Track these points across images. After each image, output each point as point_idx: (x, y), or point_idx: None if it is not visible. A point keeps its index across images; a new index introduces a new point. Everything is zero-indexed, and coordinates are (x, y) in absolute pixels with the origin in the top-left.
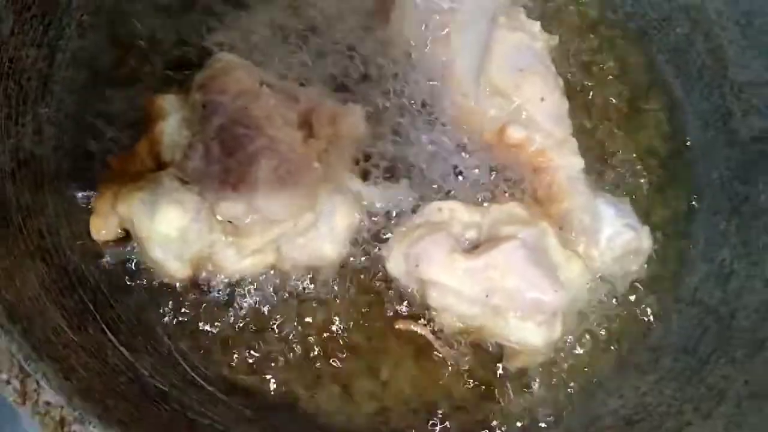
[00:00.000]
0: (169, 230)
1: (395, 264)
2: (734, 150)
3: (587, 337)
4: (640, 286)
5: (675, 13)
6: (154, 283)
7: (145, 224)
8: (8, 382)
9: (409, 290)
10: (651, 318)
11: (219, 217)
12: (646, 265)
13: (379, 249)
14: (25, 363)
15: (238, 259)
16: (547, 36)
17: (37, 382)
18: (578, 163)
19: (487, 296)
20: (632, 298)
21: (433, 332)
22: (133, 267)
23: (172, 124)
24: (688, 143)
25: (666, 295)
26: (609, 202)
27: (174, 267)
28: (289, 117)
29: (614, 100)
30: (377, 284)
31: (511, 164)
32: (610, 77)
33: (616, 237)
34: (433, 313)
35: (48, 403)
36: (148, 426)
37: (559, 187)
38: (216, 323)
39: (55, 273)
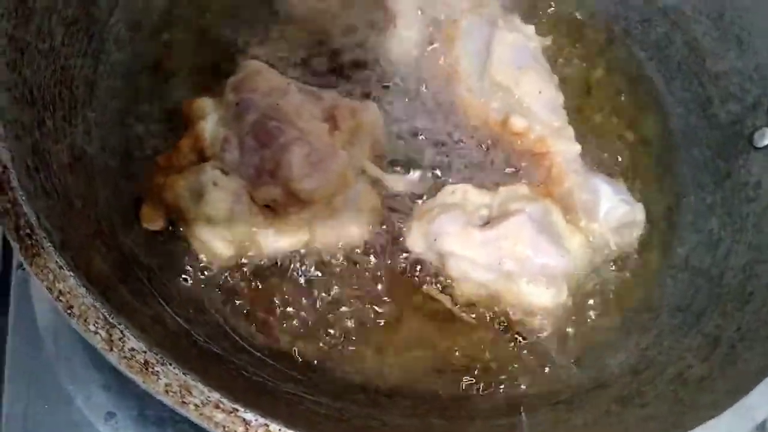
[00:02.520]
0: (215, 212)
1: (415, 240)
2: (715, 132)
3: (590, 302)
4: (636, 256)
5: (654, 14)
6: (200, 264)
7: (192, 208)
8: (96, 333)
9: (429, 263)
10: (647, 283)
11: (258, 201)
12: (639, 236)
13: (399, 228)
14: (109, 316)
15: (276, 239)
16: (540, 38)
17: (122, 332)
18: (575, 148)
19: (500, 263)
20: (629, 266)
21: (454, 303)
22: (180, 250)
23: (210, 122)
24: (673, 129)
25: (660, 262)
26: (604, 181)
27: (219, 247)
28: (315, 112)
29: (603, 94)
30: (399, 260)
31: (513, 151)
32: (598, 73)
33: (612, 211)
34: (452, 282)
35: (133, 350)
36: (212, 377)
37: (558, 170)
38: (257, 298)
39: (113, 254)
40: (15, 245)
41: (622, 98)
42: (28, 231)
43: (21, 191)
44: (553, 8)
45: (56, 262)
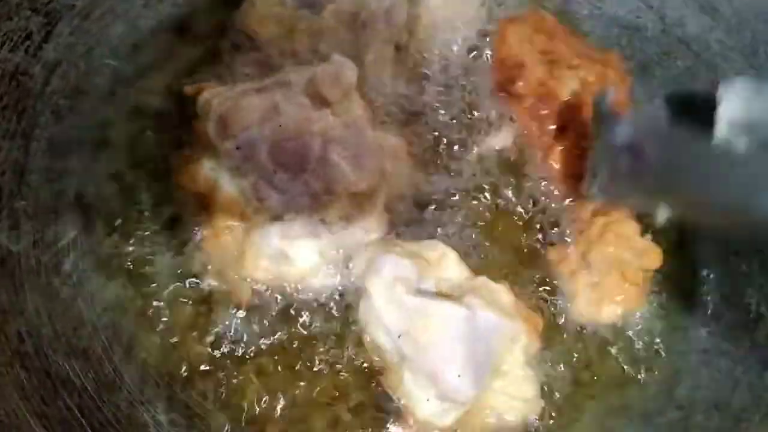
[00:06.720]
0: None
1: (358, 265)
2: None
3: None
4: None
5: (675, 46)
6: (145, 376)
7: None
8: None
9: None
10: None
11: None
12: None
13: None
14: None
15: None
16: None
17: None
18: None
19: (399, 336)
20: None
21: None
22: (121, 360)
23: (226, 183)
24: None
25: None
26: None
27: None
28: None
29: None
30: None
31: None
32: None
33: None
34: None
35: None
36: None
37: None
38: (208, 415)
39: (36, 379)
40: None
41: None
42: None
43: None
44: None
45: None
